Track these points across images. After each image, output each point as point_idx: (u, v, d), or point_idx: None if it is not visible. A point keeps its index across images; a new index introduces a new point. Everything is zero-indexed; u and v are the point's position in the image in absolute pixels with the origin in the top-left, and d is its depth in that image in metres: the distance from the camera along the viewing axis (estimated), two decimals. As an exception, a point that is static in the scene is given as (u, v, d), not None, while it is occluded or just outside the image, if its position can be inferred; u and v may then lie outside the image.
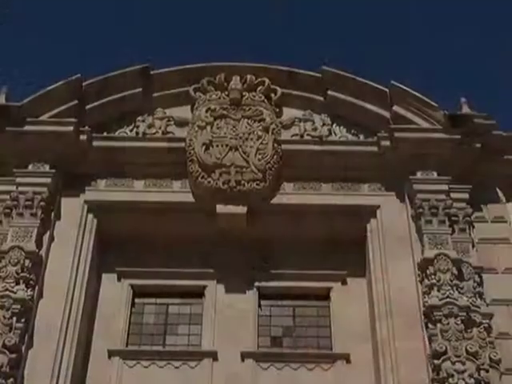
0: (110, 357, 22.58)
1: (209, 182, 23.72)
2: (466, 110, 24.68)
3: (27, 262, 21.67)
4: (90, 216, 23.97)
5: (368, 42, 59.62)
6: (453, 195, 23.35)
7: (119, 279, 24.24)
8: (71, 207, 23.80)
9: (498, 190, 24.57)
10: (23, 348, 20.61)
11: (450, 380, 19.47)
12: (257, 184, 23.72)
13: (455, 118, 24.27)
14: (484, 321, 20.93)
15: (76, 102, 24.86)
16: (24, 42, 57.62)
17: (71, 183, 24.09)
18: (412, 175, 23.75)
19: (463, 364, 19.67)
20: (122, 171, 24.62)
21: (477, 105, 25.08)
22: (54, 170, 23.82)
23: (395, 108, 24.78)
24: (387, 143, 24.19)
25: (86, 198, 24.10)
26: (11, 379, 19.89)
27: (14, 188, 23.45)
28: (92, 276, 23.25)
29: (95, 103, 25.32)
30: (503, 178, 24.65)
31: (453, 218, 22.95)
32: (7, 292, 20.88)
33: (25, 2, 52.72)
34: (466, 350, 19.90)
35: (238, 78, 25.72)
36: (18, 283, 21.25)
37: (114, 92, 25.57)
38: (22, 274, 21.41)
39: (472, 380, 19.37)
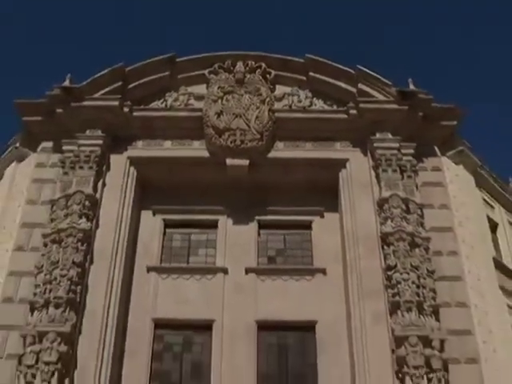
0: (148, 271, 23.96)
1: (220, 141, 24.68)
2: (412, 87, 25.39)
3: (87, 202, 22.97)
4: (132, 168, 25.04)
5: (346, 33, 60.84)
6: (403, 151, 24.31)
7: (154, 214, 25.35)
8: (118, 162, 24.83)
9: (435, 147, 25.40)
10: (86, 264, 21.99)
11: (399, 286, 20.87)
12: (256, 143, 24.69)
13: (404, 93, 25.03)
14: (424, 243, 22.14)
15: (120, 83, 25.60)
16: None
17: (117, 144, 25.07)
18: (373, 136, 24.66)
19: (408, 274, 21.04)
20: (155, 134, 25.52)
21: (422, 83, 25.81)
22: (104, 134, 24.83)
23: (360, 85, 25.44)
24: (354, 112, 25.05)
25: (129, 154, 25.09)
26: (79, 286, 21.32)
27: (76, 148, 24.50)
28: (134, 212, 24.39)
29: (135, 83, 26.00)
30: (439, 138, 25.44)
31: (402, 168, 23.91)
32: (73, 224, 22.20)
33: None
34: (411, 264, 21.27)
35: (242, 63, 26.31)
36: (80, 217, 22.55)
37: (149, 75, 26.20)
38: (83, 211, 22.74)
39: (414, 285, 20.78)
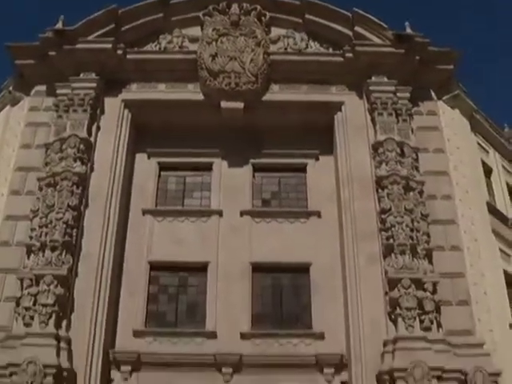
0: (143, 214, 23.95)
1: (214, 84, 24.32)
2: (408, 30, 24.94)
3: (81, 145, 22.76)
4: (126, 111, 24.71)
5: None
6: (398, 94, 24.02)
7: (149, 157, 25.20)
8: (112, 104, 24.50)
9: (431, 91, 25.12)
10: (82, 207, 21.94)
11: (393, 229, 20.99)
12: (251, 85, 24.31)
13: (401, 36, 24.58)
14: (418, 187, 22.12)
15: (113, 25, 25.06)
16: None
17: (111, 87, 24.63)
18: (368, 79, 24.35)
19: (402, 217, 21.12)
20: (149, 77, 25.06)
21: (419, 27, 25.43)
22: (98, 77, 24.40)
23: (356, 28, 24.99)
24: (350, 55, 24.63)
25: (123, 97, 24.72)
26: (75, 229, 21.36)
27: (70, 91, 24.10)
28: (128, 155, 24.22)
29: (128, 26, 25.42)
30: (435, 82, 25.08)
31: (398, 112, 23.69)
32: (68, 168, 22.07)
33: None
34: (405, 207, 21.31)
35: (237, 5, 25.72)
36: (75, 161, 22.41)
37: (142, 17, 25.62)
38: (78, 155, 22.57)
39: (408, 228, 20.89)
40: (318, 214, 23.95)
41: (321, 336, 21.87)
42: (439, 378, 18.90)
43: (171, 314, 22.67)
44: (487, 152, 27.54)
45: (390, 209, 21.44)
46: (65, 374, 19.16)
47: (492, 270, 22.01)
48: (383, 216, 21.52)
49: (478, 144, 26.75)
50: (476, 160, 25.61)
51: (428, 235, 21.38)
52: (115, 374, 21.32)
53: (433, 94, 25.25)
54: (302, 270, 23.13)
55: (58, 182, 21.88)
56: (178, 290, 23.04)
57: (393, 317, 20.13)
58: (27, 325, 19.70)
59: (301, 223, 23.95)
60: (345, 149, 23.75)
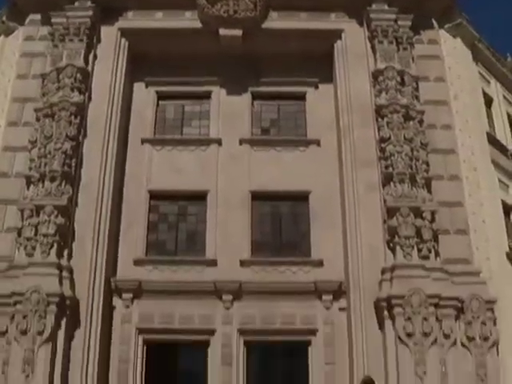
0: (142, 143, 23.78)
1: (212, 11, 23.74)
2: None
3: (78, 75, 22.37)
4: (123, 40, 24.22)
5: None
6: (399, 22, 23.52)
7: (147, 86, 24.83)
8: (108, 33, 23.96)
9: (433, 19, 24.52)
10: (80, 137, 21.74)
11: (392, 158, 20.90)
12: (249, 13, 23.77)
13: None
14: (418, 116, 21.87)
15: None
16: None
17: (108, 15, 24.01)
18: (369, 6, 23.76)
19: (401, 146, 21.00)
20: (146, 4, 24.39)
21: None
22: (94, 5, 23.75)
23: None
24: None
25: (119, 26, 24.16)
26: (74, 160, 21.23)
27: (65, 20, 23.52)
28: (126, 84, 23.81)
29: None
30: (437, 10, 24.50)
31: (398, 40, 23.23)
32: (66, 98, 21.73)
33: None
34: (404, 136, 21.15)
35: None
36: (72, 91, 22.06)
37: None
38: (75, 84, 22.20)
39: (407, 158, 20.80)
40: (318, 143, 23.82)
41: (319, 263, 22.07)
42: (436, 305, 19.14)
43: (171, 242, 22.82)
44: (488, 82, 27.17)
45: (389, 138, 21.28)
46: (68, 302, 19.38)
47: (490, 200, 22.04)
48: (383, 145, 21.38)
49: (480, 74, 26.34)
50: (477, 89, 25.24)
51: (427, 164, 21.30)
52: (117, 302, 21.60)
53: (434, 22, 24.67)
54: (301, 198, 23.19)
55: (56, 112, 21.59)
56: (177, 219, 23.14)
57: (391, 245, 20.25)
58: (29, 255, 19.83)
59: (300, 151, 23.84)
60: (344, 77, 23.38)
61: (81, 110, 21.95)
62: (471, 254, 20.57)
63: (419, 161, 21.12)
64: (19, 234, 20.19)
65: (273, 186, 23.01)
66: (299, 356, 21.50)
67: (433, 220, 20.37)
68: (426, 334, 18.82)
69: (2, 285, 19.43)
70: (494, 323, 19.45)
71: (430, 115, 22.31)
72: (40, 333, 18.71)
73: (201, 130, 24.53)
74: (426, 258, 19.94)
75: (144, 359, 21.22)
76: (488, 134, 24.28)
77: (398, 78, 22.35)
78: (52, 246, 19.85)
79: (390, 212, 20.39)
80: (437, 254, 20.23)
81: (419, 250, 19.92)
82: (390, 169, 20.87)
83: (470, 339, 19.18)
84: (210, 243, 22.45)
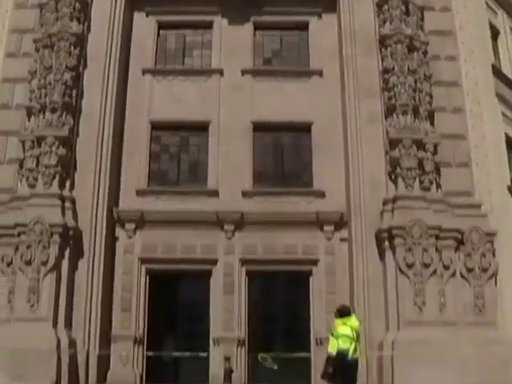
0: (143, 74, 23.40)
1: None
2: None
3: (77, 4, 21.85)
4: (122, -33, 23.43)
5: None
6: None
7: (147, 16, 24.26)
8: None
9: None
10: (80, 68, 21.41)
11: (395, 89, 20.62)
12: None
13: None
14: (422, 46, 21.41)
15: None
16: None
17: None
18: None
19: (405, 78, 20.67)
20: None
21: None
22: None
23: None
24: None
25: None
26: (74, 90, 20.97)
27: None
28: (126, 14, 23.24)
29: None
30: None
31: None
32: (65, 28, 21.26)
33: None
34: (408, 67, 20.79)
35: None
36: (71, 21, 21.56)
37: None
38: (74, 14, 21.71)
39: (410, 89, 20.51)
40: (320, 73, 23.46)
41: (321, 194, 22.14)
42: (437, 236, 19.29)
43: (173, 173, 22.85)
44: (495, 13, 26.39)
45: (393, 68, 20.93)
46: (71, 232, 19.55)
47: (494, 133, 21.74)
48: (386, 76, 21.06)
49: (487, 4, 25.46)
50: (483, 20, 24.44)
51: (430, 96, 21.02)
52: (120, 232, 21.77)
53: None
54: (304, 129, 23.04)
55: (55, 42, 21.18)
56: (179, 150, 23.09)
57: (393, 176, 20.26)
58: (31, 186, 19.87)
59: (302, 82, 23.47)
60: (348, 6, 22.76)
61: (80, 41, 21.51)
62: (472, 186, 20.53)
63: (422, 92, 20.81)
64: (21, 166, 20.20)
65: (275, 117, 22.78)
66: (300, 286, 21.78)
67: (435, 152, 20.28)
68: (425, 265, 19.03)
69: (5, 216, 19.59)
70: (494, 255, 19.61)
71: (434, 46, 21.81)
72: (44, 263, 18.94)
73: (202, 60, 24.09)
74: (428, 189, 19.97)
75: (147, 289, 21.52)
76: (493, 66, 23.65)
77: (403, 8, 21.74)
78: (54, 177, 19.87)
79: (393, 143, 20.28)
80: (438, 186, 20.23)
81: (421, 182, 19.93)
82: (393, 100, 20.61)
83: (470, 270, 19.36)
84: (211, 174, 22.47)
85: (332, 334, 11.69)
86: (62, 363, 18.16)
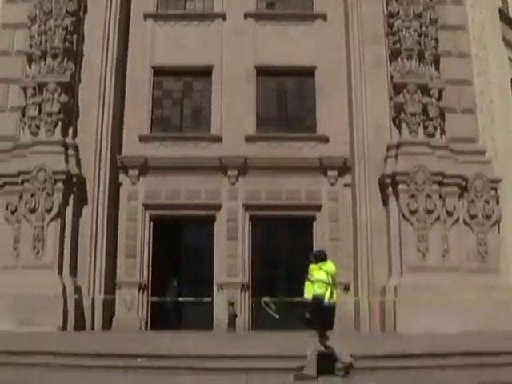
0: (145, 19, 22.89)
1: None
2: None
3: None
4: None
5: None
6: None
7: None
8: None
9: None
10: (81, 13, 21.03)
11: (400, 33, 20.26)
12: None
13: None
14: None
15: None
16: None
17: None
18: None
19: (410, 22, 20.31)
20: None
21: None
22: None
23: None
24: None
25: None
26: (75, 36, 20.66)
27: None
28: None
29: None
30: None
31: None
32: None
33: None
34: (413, 11, 20.41)
35: None
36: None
37: None
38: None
39: (416, 33, 20.18)
40: (324, 17, 22.99)
41: (325, 139, 22.01)
42: (440, 183, 19.28)
43: (176, 118, 22.68)
44: (502, -46, 25.57)
45: (398, 12, 20.50)
46: (74, 179, 19.58)
47: (500, 79, 21.43)
48: (391, 20, 20.64)
49: None
50: (491, -39, 23.81)
51: (436, 41, 20.64)
52: (123, 179, 21.80)
53: None
54: (307, 73, 22.75)
55: (54, -13, 20.72)
56: (182, 95, 22.86)
57: (397, 122, 20.12)
58: (34, 134, 19.80)
59: (306, 26, 23.02)
60: None
61: (79, -15, 20.97)
62: (477, 133, 20.40)
63: (428, 37, 20.43)
64: (23, 114, 20.07)
65: (278, 61, 22.45)
66: (304, 231, 21.84)
67: (440, 98, 20.09)
68: (429, 212, 19.06)
69: (8, 164, 19.58)
70: (497, 202, 19.68)
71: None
72: (48, 210, 19.04)
73: (205, 4, 23.54)
74: (432, 135, 19.84)
75: (151, 235, 21.65)
76: (500, 10, 23.07)
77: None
78: (56, 125, 19.78)
79: (397, 88, 20.07)
80: (442, 132, 20.09)
81: (425, 128, 19.80)
82: (398, 45, 20.28)
83: (473, 217, 19.44)
84: (214, 119, 22.29)
85: (308, 279, 11.62)
86: (68, 309, 18.44)
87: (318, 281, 11.46)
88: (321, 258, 11.92)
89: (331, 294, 11.60)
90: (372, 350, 12.01)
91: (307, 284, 11.80)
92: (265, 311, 18.76)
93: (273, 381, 10.12)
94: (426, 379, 9.87)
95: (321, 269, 11.66)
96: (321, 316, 11.31)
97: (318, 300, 11.28)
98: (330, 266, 11.84)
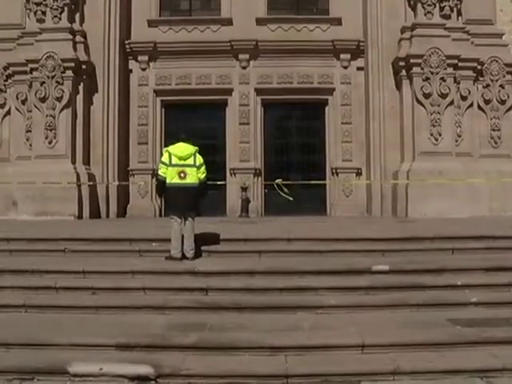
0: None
1: None
2: None
3: None
4: None
5: None
6: None
7: None
8: None
9: None
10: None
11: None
12: None
13: None
14: None
15: None
16: None
17: None
18: None
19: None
20: None
21: None
22: None
23: None
24: None
25: None
26: None
27: None
28: None
29: None
30: None
31: None
32: None
33: None
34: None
35: None
36: None
37: None
38: None
39: None
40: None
41: (338, 21, 21.42)
42: (455, 66, 18.88)
43: (185, 1, 22.00)
44: None
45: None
46: (83, 67, 19.27)
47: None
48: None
49: None
50: None
51: None
52: (133, 65, 21.50)
53: None
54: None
55: None
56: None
57: (412, 3, 19.39)
58: (40, 21, 19.25)
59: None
60: None
61: None
62: (495, 15, 19.68)
63: None
64: (27, 0, 19.42)
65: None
66: (316, 116, 21.71)
67: (455, -24, 19.17)
68: (443, 95, 18.77)
69: (15, 53, 19.25)
70: (513, 87, 19.23)
71: None
72: (59, 99, 18.88)
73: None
74: (448, 17, 19.18)
75: (163, 121, 21.62)
76: None
77: None
78: (63, 11, 19.22)
79: (412, -33, 19.13)
80: (459, 14, 19.44)
81: (441, 9, 19.12)
82: None
83: (487, 102, 19.23)
84: (225, 1, 21.60)
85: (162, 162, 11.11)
86: (82, 198, 18.60)
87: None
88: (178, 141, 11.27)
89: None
90: (384, 234, 12.18)
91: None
92: (278, 196, 19.09)
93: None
94: (435, 262, 10.08)
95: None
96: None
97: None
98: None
